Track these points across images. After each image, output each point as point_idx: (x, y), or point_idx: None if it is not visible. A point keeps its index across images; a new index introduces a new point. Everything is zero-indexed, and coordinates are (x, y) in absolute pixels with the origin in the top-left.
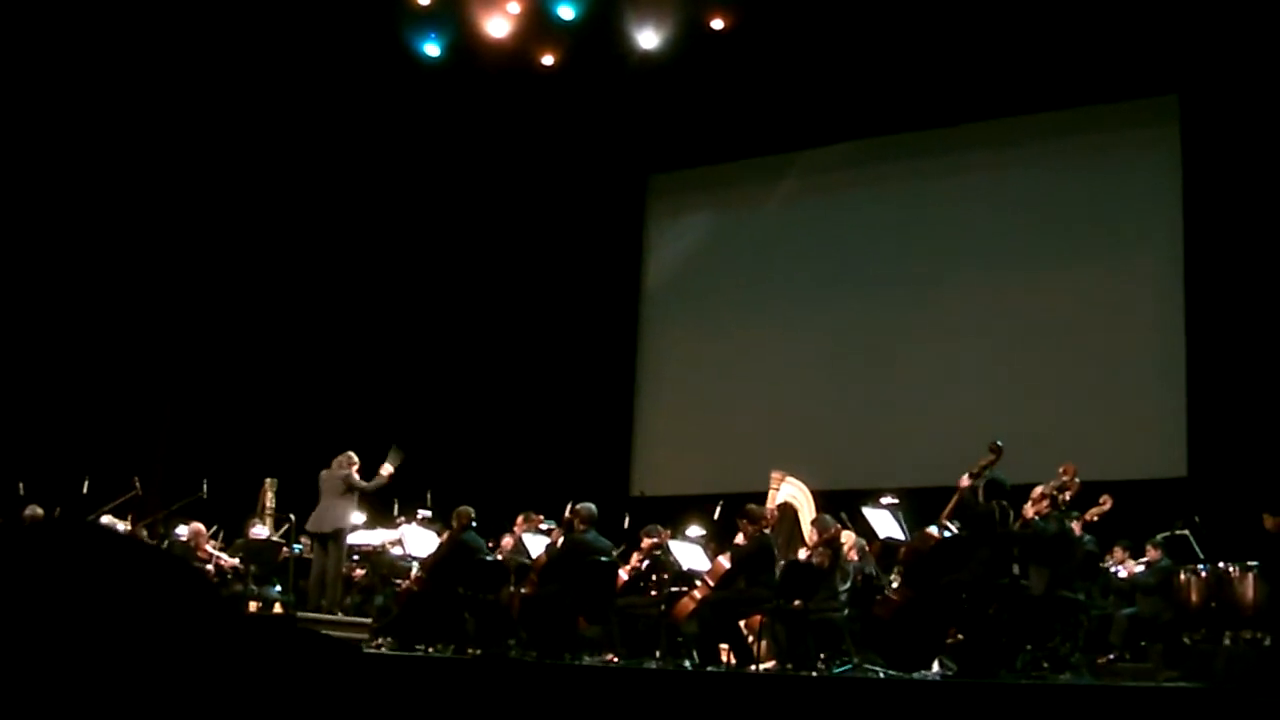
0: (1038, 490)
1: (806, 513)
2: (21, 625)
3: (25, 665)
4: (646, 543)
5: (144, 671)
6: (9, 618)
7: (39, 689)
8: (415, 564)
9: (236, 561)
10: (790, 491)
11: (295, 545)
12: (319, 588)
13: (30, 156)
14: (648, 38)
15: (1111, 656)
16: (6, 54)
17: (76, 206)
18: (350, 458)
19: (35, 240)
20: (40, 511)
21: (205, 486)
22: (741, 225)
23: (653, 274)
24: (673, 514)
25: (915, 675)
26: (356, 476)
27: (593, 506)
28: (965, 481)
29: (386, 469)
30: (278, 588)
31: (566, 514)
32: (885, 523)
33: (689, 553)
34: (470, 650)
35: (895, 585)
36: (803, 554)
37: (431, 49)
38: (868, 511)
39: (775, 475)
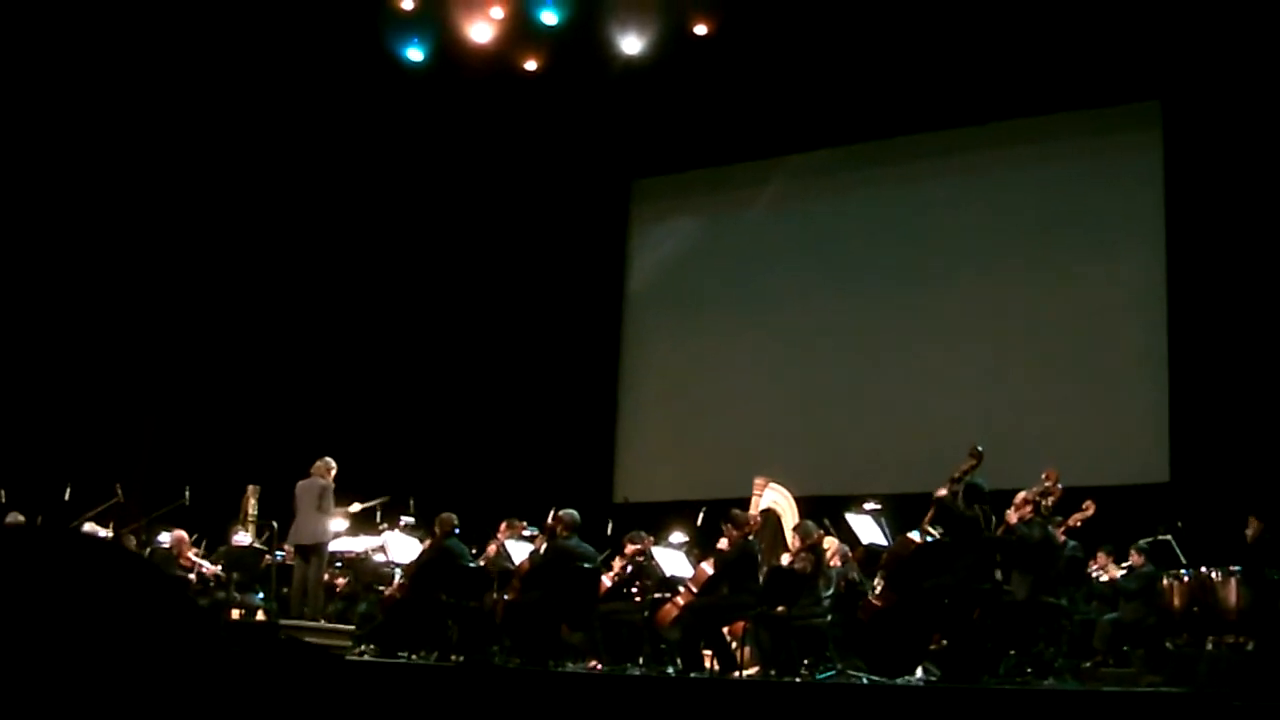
0: (1020, 495)
1: (789, 519)
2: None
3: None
4: (630, 549)
5: (125, 677)
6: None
7: (20, 692)
8: (398, 571)
9: (219, 569)
10: (773, 497)
11: (278, 552)
12: (301, 596)
13: (10, 165)
14: (631, 43)
15: (1095, 661)
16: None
17: (59, 214)
18: (328, 464)
19: (18, 248)
20: (21, 518)
21: (187, 493)
22: (725, 230)
23: (636, 279)
24: (656, 520)
25: (899, 681)
26: (330, 498)
27: (575, 513)
28: (945, 488)
29: (356, 507)
30: (260, 595)
31: (549, 520)
32: (868, 528)
33: (672, 559)
34: (453, 657)
35: (878, 591)
36: (785, 560)
37: (415, 54)
38: (850, 517)
39: (758, 481)
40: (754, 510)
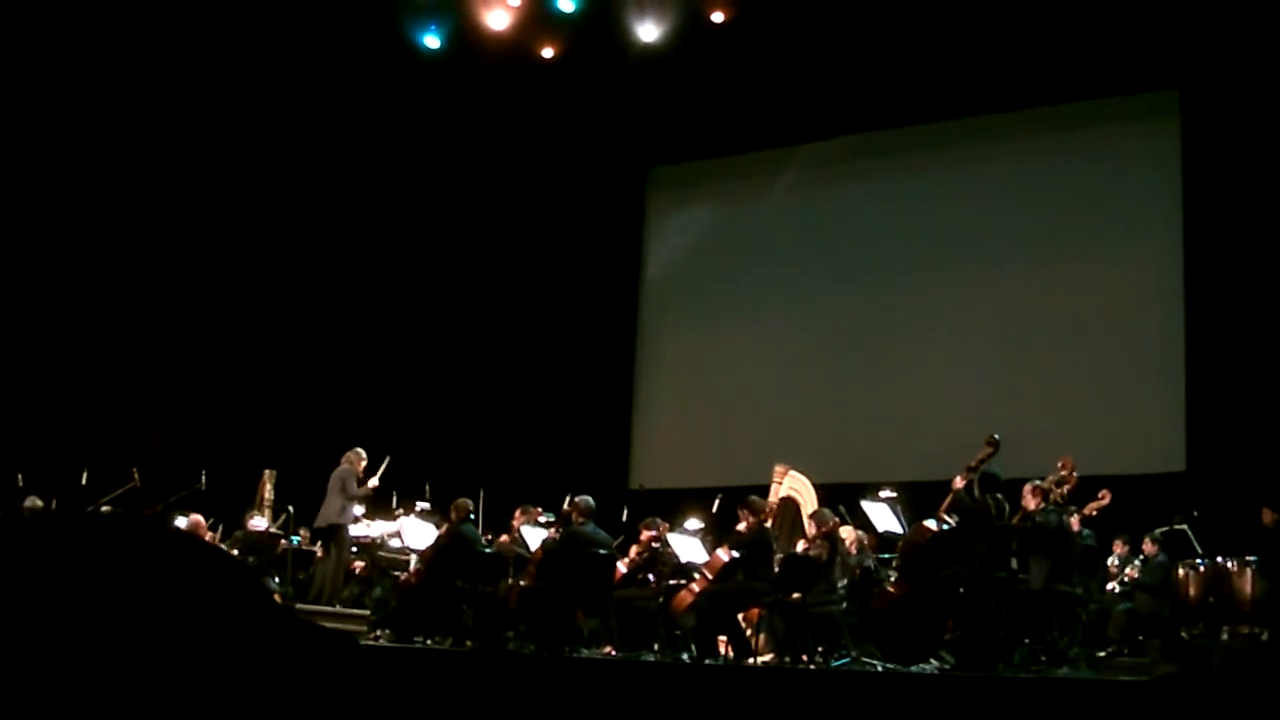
0: (1034, 484)
1: (809, 506)
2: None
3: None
4: (645, 535)
5: (165, 659)
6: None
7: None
8: (413, 556)
9: (235, 554)
10: (793, 485)
11: (293, 537)
12: (323, 581)
13: (27, 152)
14: (648, 30)
15: (1110, 651)
16: (4, 53)
17: (73, 200)
18: (358, 454)
19: (33, 233)
20: (39, 503)
21: (204, 478)
22: (741, 219)
23: (652, 267)
24: (671, 507)
25: (913, 669)
26: (354, 482)
27: (591, 499)
28: (961, 477)
29: (373, 481)
30: (276, 580)
31: (565, 506)
32: (883, 516)
33: (687, 545)
34: (468, 642)
35: (893, 579)
36: (801, 547)
37: (431, 41)
38: (866, 505)
39: (778, 469)
40: (773, 498)
